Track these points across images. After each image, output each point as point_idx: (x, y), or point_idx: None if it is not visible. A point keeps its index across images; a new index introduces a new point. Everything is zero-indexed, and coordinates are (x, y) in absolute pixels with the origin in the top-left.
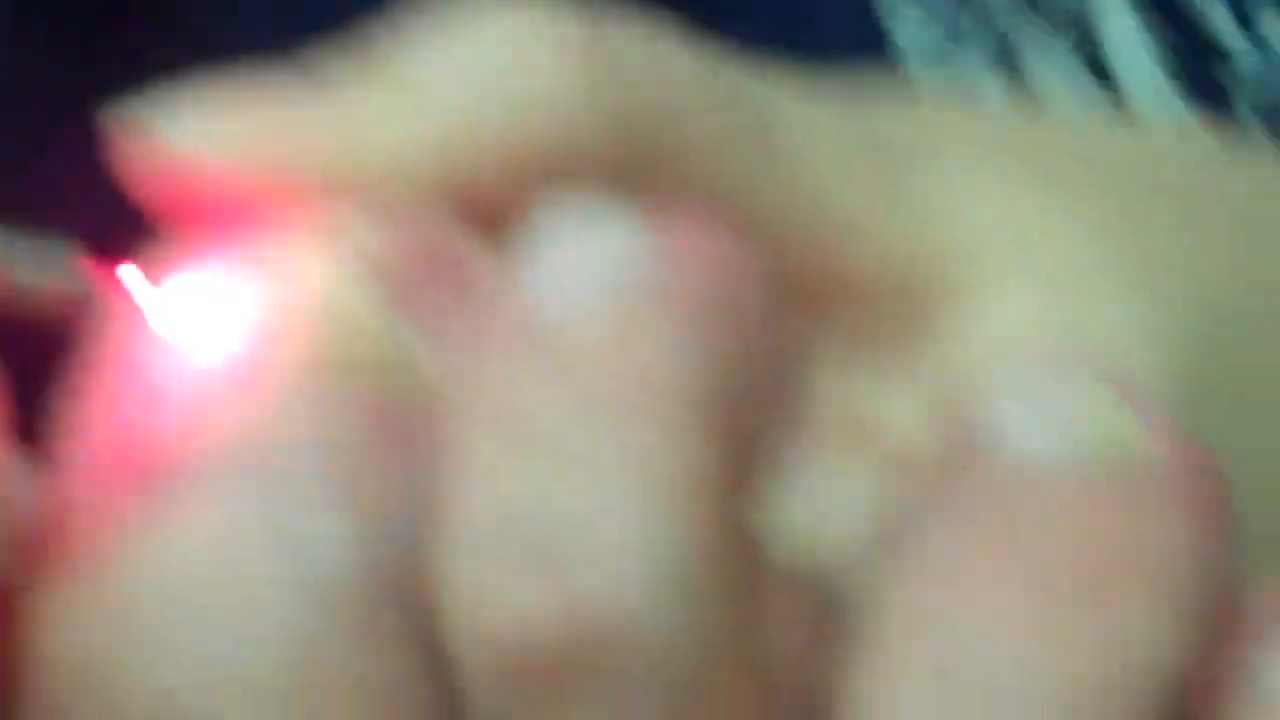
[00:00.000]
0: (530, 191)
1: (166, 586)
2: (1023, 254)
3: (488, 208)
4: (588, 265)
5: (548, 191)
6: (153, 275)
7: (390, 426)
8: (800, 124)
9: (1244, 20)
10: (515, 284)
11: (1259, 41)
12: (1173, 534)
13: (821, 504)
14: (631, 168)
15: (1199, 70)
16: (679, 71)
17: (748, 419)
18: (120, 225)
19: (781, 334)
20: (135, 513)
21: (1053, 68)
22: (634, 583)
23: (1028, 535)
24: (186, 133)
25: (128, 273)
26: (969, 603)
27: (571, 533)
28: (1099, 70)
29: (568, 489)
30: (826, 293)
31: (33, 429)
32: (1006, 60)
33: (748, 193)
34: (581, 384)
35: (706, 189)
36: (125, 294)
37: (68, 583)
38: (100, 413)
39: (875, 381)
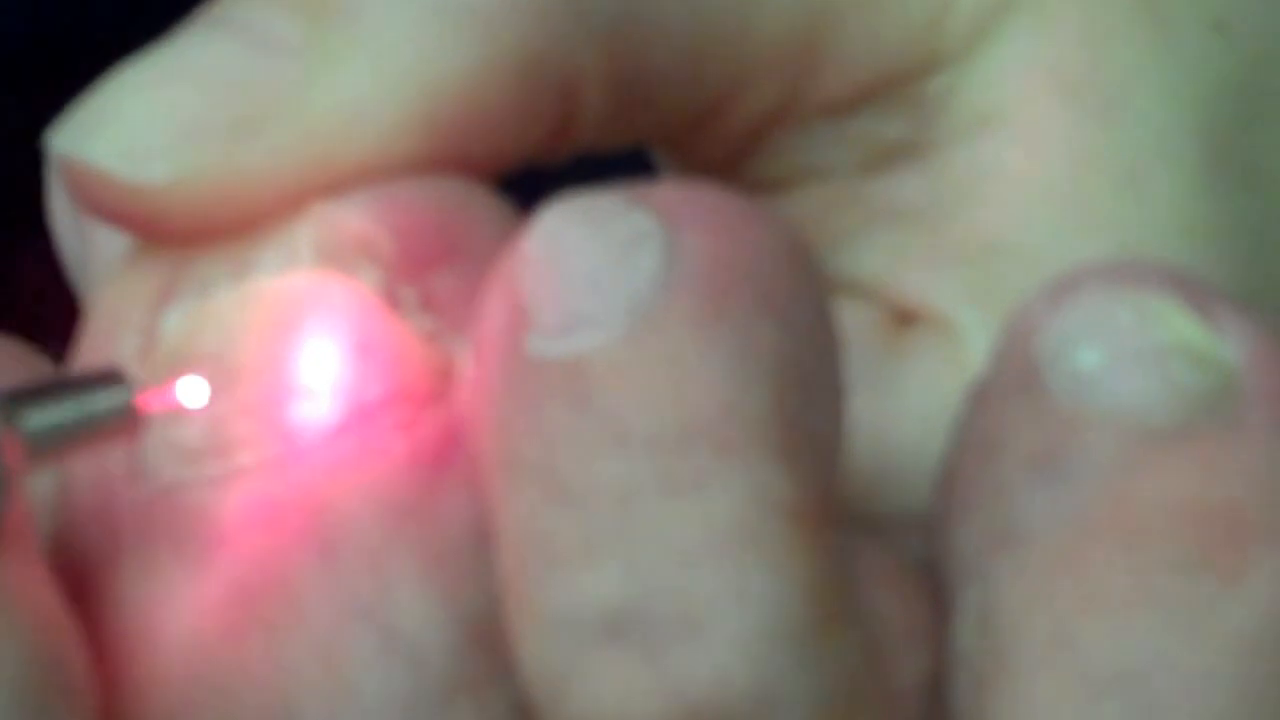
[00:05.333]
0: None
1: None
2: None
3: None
4: (605, 279)
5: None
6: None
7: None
8: None
9: None
10: (524, 298)
11: None
12: None
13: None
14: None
15: None
16: None
17: (814, 417)
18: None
19: (825, 307)
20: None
21: None
22: (743, 658)
23: (1142, 515)
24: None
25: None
26: (1104, 609)
27: (666, 616)
28: None
29: (653, 572)
30: (834, 102)
31: None
32: None
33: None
34: (635, 435)
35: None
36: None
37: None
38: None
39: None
